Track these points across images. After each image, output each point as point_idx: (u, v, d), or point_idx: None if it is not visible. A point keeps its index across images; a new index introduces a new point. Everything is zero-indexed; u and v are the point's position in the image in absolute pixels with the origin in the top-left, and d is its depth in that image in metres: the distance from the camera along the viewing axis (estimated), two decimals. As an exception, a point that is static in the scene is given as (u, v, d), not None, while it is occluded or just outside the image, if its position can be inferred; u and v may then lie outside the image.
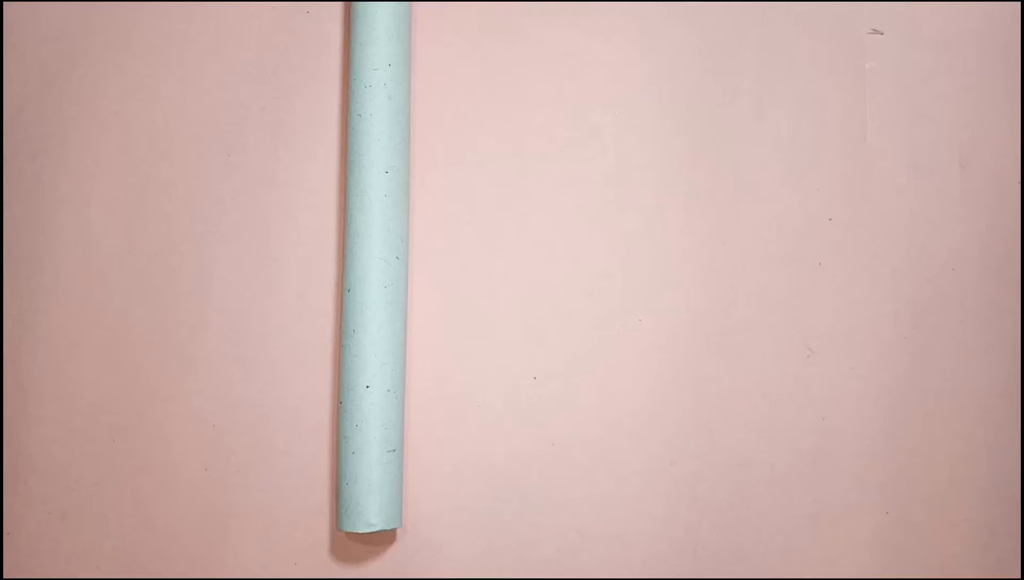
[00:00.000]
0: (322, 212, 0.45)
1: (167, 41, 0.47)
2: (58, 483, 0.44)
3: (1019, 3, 0.47)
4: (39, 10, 0.47)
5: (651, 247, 0.45)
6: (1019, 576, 0.44)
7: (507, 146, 0.45)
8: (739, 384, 0.44)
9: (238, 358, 0.44)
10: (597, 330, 0.44)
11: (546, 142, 0.46)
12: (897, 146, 0.46)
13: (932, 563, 0.43)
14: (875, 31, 0.47)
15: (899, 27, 0.47)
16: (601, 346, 0.44)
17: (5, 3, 0.47)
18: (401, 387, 0.41)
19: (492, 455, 0.43)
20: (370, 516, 0.39)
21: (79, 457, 0.44)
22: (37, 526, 0.44)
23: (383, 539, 0.42)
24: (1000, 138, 0.46)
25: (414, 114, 0.45)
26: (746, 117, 0.46)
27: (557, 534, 0.43)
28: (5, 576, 0.44)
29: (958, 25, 0.47)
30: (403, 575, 0.42)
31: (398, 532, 0.43)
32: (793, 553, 0.43)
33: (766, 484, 0.44)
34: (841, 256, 0.45)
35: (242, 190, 0.45)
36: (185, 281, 0.45)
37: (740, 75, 0.47)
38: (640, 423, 0.44)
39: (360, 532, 0.39)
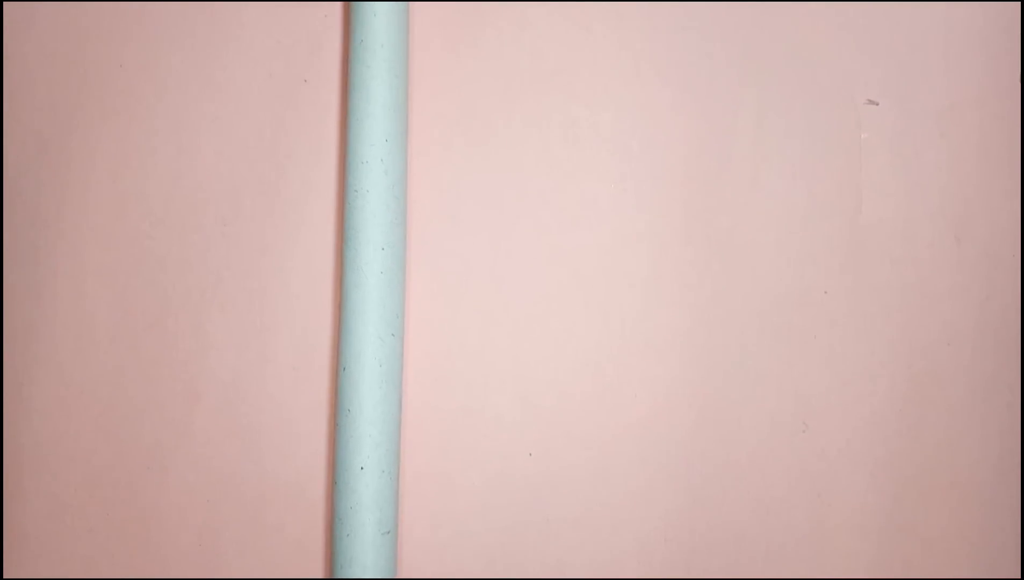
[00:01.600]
0: (317, 284, 0.45)
1: (164, 108, 0.47)
2: (51, 557, 0.44)
3: (1019, 71, 0.47)
4: (35, 75, 0.47)
5: (645, 319, 0.45)
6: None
7: (503, 218, 0.45)
8: (734, 459, 0.44)
9: (232, 431, 0.44)
10: (592, 405, 0.44)
11: (541, 213, 0.46)
12: (892, 217, 0.46)
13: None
14: (871, 101, 0.47)
15: (895, 97, 0.47)
16: (596, 422, 0.44)
17: (5, 70, 0.47)
18: (396, 467, 0.41)
19: (488, 533, 0.43)
20: (364, 597, 0.39)
21: (72, 531, 0.44)
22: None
23: (377, 616, 0.42)
24: (996, 211, 0.46)
25: (411, 188, 0.45)
26: (741, 186, 0.46)
27: (552, 609, 0.43)
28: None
29: (954, 95, 0.47)
30: (397, 651, 0.42)
31: (393, 610, 0.42)
32: (788, 629, 0.43)
33: (762, 560, 0.44)
34: (836, 329, 0.45)
35: (237, 260, 0.45)
36: (180, 352, 0.45)
37: (736, 144, 0.47)
38: (635, 498, 0.44)
39: (354, 612, 0.39)
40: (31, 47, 0.47)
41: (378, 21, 0.44)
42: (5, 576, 0.44)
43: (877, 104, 0.47)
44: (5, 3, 0.47)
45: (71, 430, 0.44)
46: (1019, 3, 0.48)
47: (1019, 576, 0.44)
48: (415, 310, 0.44)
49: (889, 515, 0.44)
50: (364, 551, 0.39)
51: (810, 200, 0.46)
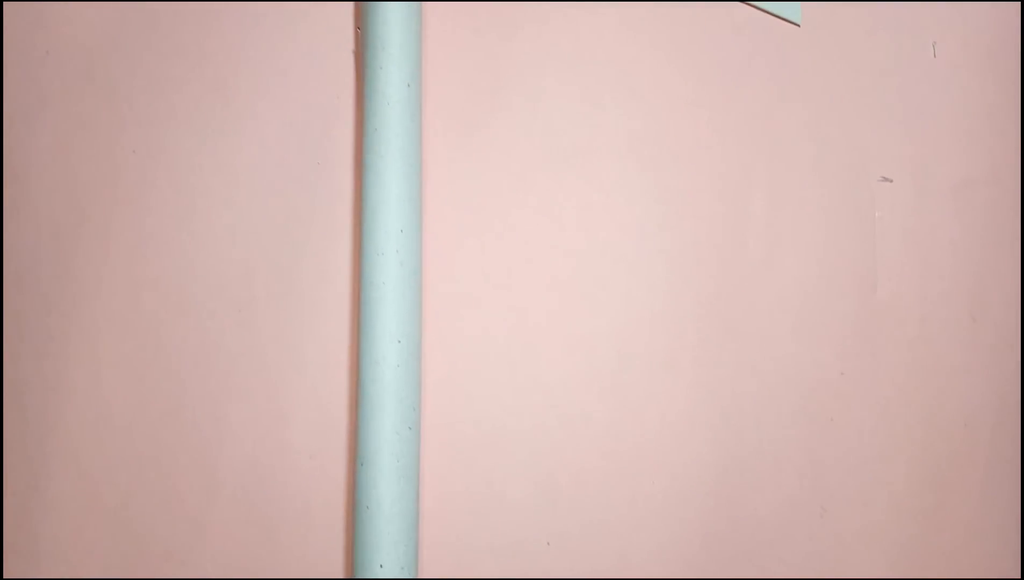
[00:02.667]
0: (333, 372, 0.45)
1: (177, 194, 0.47)
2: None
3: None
4: (47, 163, 0.47)
5: (661, 402, 0.45)
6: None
7: (519, 305, 0.45)
8: (752, 543, 0.44)
9: (250, 522, 0.44)
10: (609, 493, 0.44)
11: (557, 298, 0.45)
12: (908, 296, 0.46)
13: None
14: (885, 179, 0.47)
15: (908, 174, 0.47)
16: (614, 507, 0.44)
17: (6, 157, 0.47)
18: (415, 563, 0.41)
19: (506, 625, 0.43)
20: None
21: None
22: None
23: None
24: (1011, 288, 0.46)
25: (426, 277, 0.45)
26: (756, 266, 0.46)
27: None
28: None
29: (966, 172, 0.47)
30: None
31: None
32: None
33: (780, 647, 0.44)
34: (853, 411, 0.45)
35: (253, 347, 0.45)
36: (197, 441, 0.45)
37: (749, 223, 0.47)
38: (653, 585, 0.44)
39: None
40: (44, 133, 0.47)
41: (392, 109, 0.44)
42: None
43: (891, 181, 0.47)
44: (8, 69, 0.48)
45: (89, 523, 0.44)
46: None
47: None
48: (431, 401, 0.44)
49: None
50: (384, 651, 0.39)
51: (825, 280, 0.46)
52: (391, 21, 0.44)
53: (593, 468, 0.44)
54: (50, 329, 0.46)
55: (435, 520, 0.43)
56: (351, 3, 0.48)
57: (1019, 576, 0.44)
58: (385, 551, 0.40)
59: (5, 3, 0.47)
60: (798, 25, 0.49)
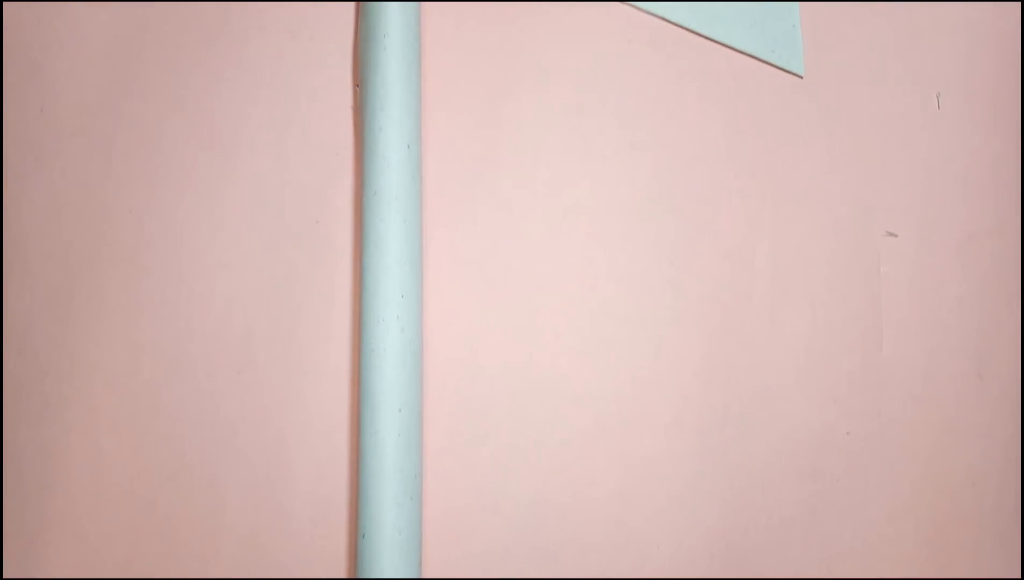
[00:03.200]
0: (334, 436, 0.44)
1: (175, 254, 0.46)
2: None
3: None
4: (41, 223, 0.47)
5: (667, 465, 0.44)
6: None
7: (518, 367, 0.45)
8: (758, 608, 0.44)
9: (250, 591, 0.43)
10: (616, 560, 0.44)
11: (555, 359, 0.45)
12: (913, 353, 0.46)
13: None
14: (890, 233, 0.47)
15: (914, 229, 0.47)
16: (618, 572, 0.43)
17: (11, 216, 0.47)
18: (418, 638, 0.41)
19: None
20: None
21: None
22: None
23: None
24: (1017, 345, 0.46)
25: (427, 342, 0.44)
26: (761, 324, 0.46)
27: None
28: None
29: (972, 226, 0.47)
30: None
31: None
32: None
33: None
34: (859, 471, 0.45)
35: (252, 410, 0.45)
36: (196, 507, 0.44)
37: (754, 280, 0.46)
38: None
39: None
40: (38, 192, 0.47)
41: (392, 172, 0.43)
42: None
43: (896, 236, 0.47)
44: (9, 119, 0.47)
45: (87, 591, 0.44)
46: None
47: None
48: (433, 470, 0.43)
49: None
50: None
51: (830, 337, 0.46)
52: (390, 81, 0.44)
53: (599, 534, 0.44)
54: (47, 394, 0.45)
55: (438, 590, 0.43)
56: (350, 59, 0.47)
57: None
58: (388, 626, 0.39)
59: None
60: (801, 77, 0.48)
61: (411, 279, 0.43)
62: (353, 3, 0.48)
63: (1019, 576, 0.44)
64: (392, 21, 0.44)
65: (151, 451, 0.45)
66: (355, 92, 0.47)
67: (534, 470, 0.44)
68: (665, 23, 0.48)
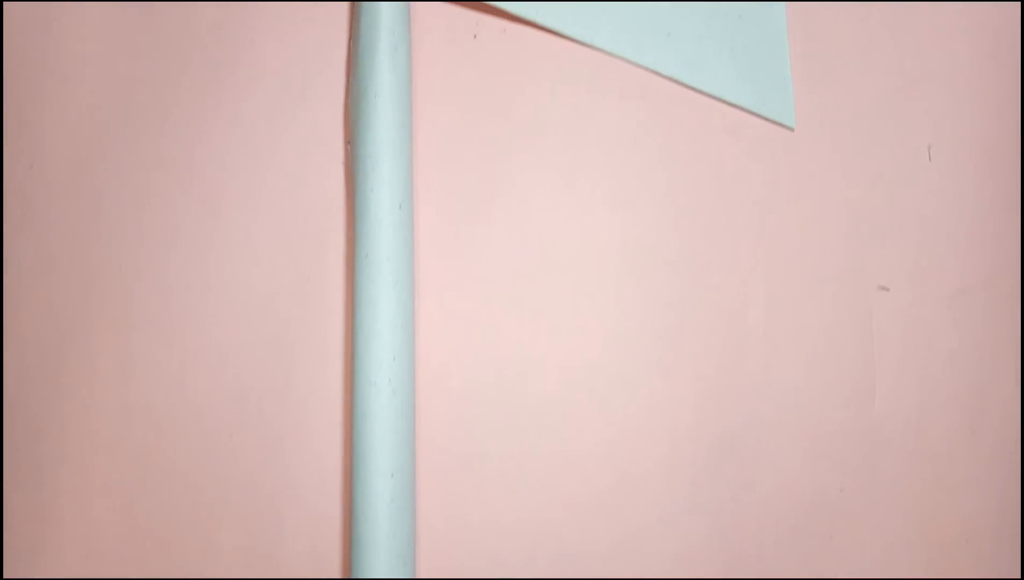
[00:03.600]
0: (327, 498, 0.44)
1: (165, 312, 0.46)
2: None
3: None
4: (30, 281, 0.46)
5: (660, 523, 0.44)
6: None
7: (511, 427, 0.45)
8: (753, 667, 0.44)
9: (243, 655, 0.43)
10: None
11: (548, 418, 0.45)
12: (906, 409, 0.46)
13: None
14: (882, 287, 0.47)
15: (906, 282, 0.47)
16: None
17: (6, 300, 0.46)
18: None
19: None
20: None
21: None
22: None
23: None
24: (1010, 399, 0.46)
25: (419, 405, 0.44)
26: (754, 378, 0.46)
27: None
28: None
29: (964, 279, 0.47)
30: None
31: None
32: None
33: None
34: (853, 529, 0.45)
35: (245, 472, 0.45)
36: (189, 573, 0.44)
37: (747, 335, 0.46)
38: None
39: None
40: (27, 249, 0.46)
41: (383, 233, 0.43)
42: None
43: (888, 290, 0.47)
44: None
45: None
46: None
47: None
48: (426, 536, 0.43)
49: None
50: None
51: (824, 392, 0.46)
52: (382, 140, 0.44)
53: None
54: (39, 457, 0.45)
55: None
56: (341, 115, 0.47)
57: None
58: None
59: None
60: (792, 129, 0.48)
61: (403, 341, 0.43)
62: (344, 59, 0.48)
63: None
64: (383, 81, 0.44)
65: (143, 514, 0.44)
66: (346, 149, 0.47)
67: (527, 536, 0.44)
68: (657, 77, 0.48)
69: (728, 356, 0.46)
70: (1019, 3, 0.48)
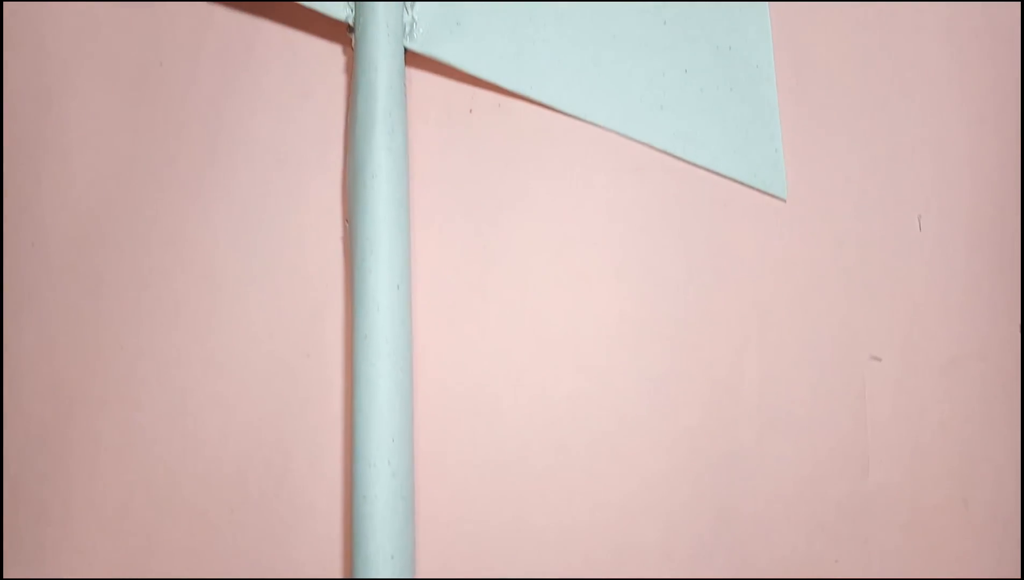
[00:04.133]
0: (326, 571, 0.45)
1: (166, 390, 0.46)
2: None
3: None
4: (33, 360, 0.47)
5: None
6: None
7: (508, 504, 0.45)
8: None
9: None
10: None
11: (544, 497, 0.45)
12: (899, 480, 0.46)
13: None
14: (874, 358, 0.48)
15: (897, 353, 0.47)
16: None
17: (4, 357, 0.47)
18: None
19: None
20: None
21: None
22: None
23: None
24: (1003, 471, 0.46)
25: (418, 486, 0.44)
26: (748, 452, 0.46)
27: None
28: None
29: (955, 349, 0.48)
30: None
31: None
32: None
33: None
34: (848, 600, 0.45)
35: (245, 549, 0.45)
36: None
37: (740, 406, 0.47)
38: None
39: None
40: (29, 330, 0.47)
41: (381, 315, 0.43)
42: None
43: (880, 360, 0.47)
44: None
45: None
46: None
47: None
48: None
49: None
50: None
51: (816, 463, 0.46)
52: (379, 221, 0.44)
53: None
54: (42, 537, 0.45)
55: None
56: (339, 192, 0.48)
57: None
58: None
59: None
60: (784, 200, 0.49)
61: (401, 422, 0.43)
62: (342, 134, 0.49)
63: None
64: (381, 162, 0.45)
65: (145, 594, 0.45)
66: (344, 226, 0.48)
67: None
68: (650, 149, 0.49)
69: (723, 428, 0.46)
70: (1019, 74, 0.49)
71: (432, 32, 0.48)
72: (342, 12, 0.47)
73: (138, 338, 0.47)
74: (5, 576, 0.44)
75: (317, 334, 0.47)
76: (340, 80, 0.50)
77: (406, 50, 0.46)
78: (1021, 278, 0.48)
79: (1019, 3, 0.47)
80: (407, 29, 0.47)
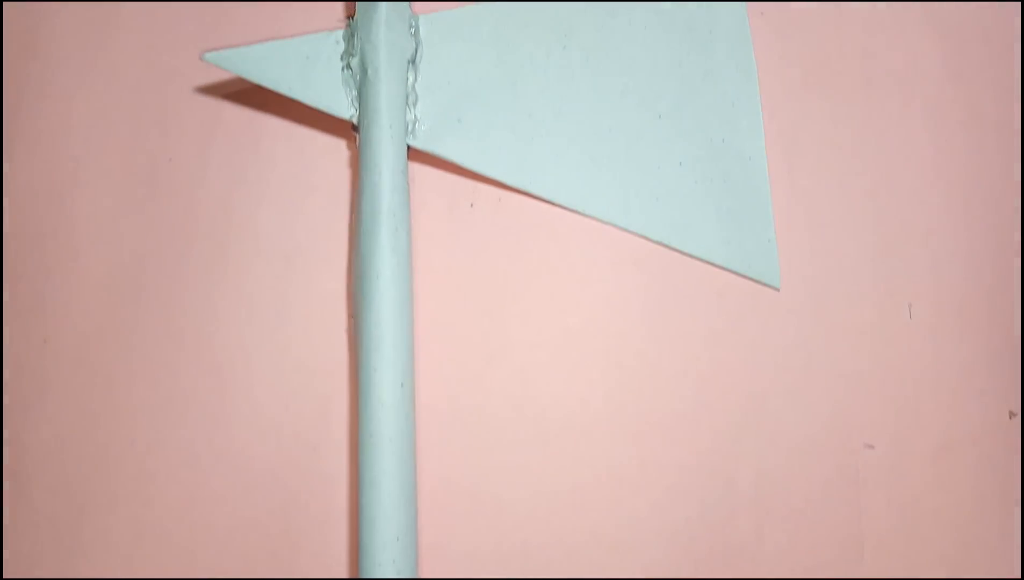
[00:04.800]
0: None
1: (177, 485, 0.47)
2: None
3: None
4: (45, 457, 0.48)
5: None
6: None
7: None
8: None
9: None
10: None
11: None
12: (894, 566, 0.47)
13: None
14: (868, 445, 0.49)
15: (890, 440, 0.49)
16: None
17: (5, 451, 0.48)
18: None
19: None
20: None
21: None
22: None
23: None
24: (997, 556, 0.47)
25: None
26: (746, 544, 0.47)
27: None
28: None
29: (948, 435, 0.49)
30: None
31: None
32: None
33: None
34: None
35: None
36: None
37: (738, 499, 0.48)
38: None
39: None
40: (42, 425, 0.48)
41: (386, 412, 0.44)
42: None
43: (873, 448, 0.48)
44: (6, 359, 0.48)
45: None
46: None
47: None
48: None
49: None
50: None
51: (812, 551, 0.47)
52: (384, 321, 0.45)
53: None
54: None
55: None
56: (344, 287, 0.49)
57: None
58: None
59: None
60: (778, 289, 0.50)
61: (406, 521, 0.44)
62: (347, 228, 0.50)
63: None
64: (385, 262, 0.46)
65: None
66: (349, 323, 0.49)
67: None
68: (647, 242, 0.50)
69: (720, 518, 0.47)
70: (1012, 164, 0.50)
71: (434, 129, 0.49)
72: (346, 112, 0.48)
73: (148, 434, 0.48)
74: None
75: (323, 428, 0.48)
76: (344, 173, 0.51)
77: (409, 146, 0.48)
78: (1021, 363, 0.49)
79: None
80: (410, 127, 0.49)
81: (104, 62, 0.53)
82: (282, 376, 0.48)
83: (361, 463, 0.45)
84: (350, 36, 0.49)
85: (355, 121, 0.48)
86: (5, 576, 0.45)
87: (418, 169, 0.51)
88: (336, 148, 0.52)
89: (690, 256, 0.50)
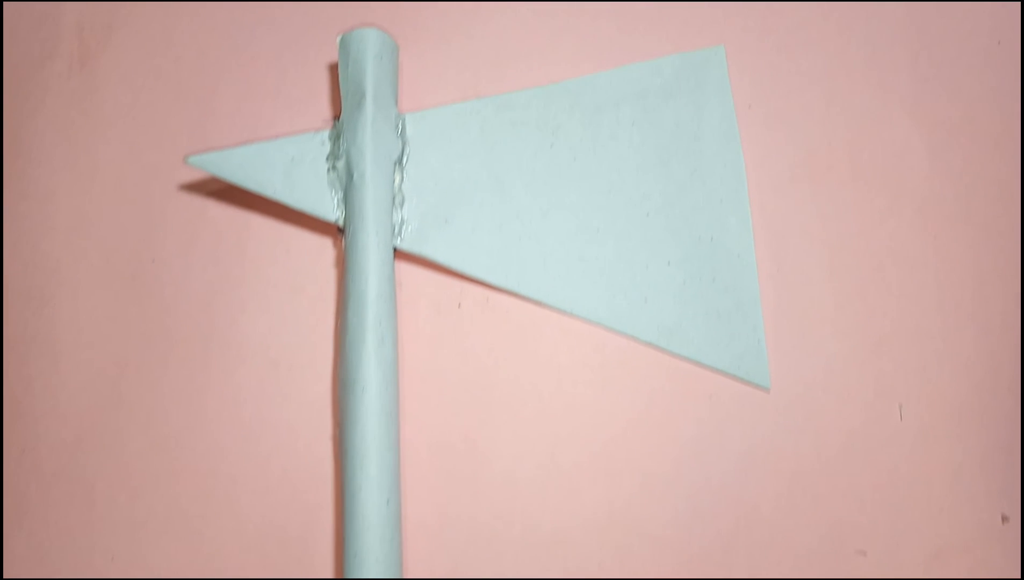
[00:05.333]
0: None
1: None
2: None
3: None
4: (28, 572, 0.47)
5: None
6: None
7: None
8: None
9: None
10: None
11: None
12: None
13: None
14: (859, 552, 0.48)
15: (881, 546, 0.48)
16: None
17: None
18: None
19: None
20: None
21: None
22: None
23: None
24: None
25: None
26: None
27: None
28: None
29: (940, 541, 0.48)
30: None
31: None
32: None
33: None
34: None
35: None
36: None
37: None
38: None
39: None
40: (19, 541, 0.47)
41: (371, 534, 0.43)
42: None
43: (865, 554, 0.48)
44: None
45: None
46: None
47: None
48: None
49: None
50: None
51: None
52: (369, 436, 0.44)
53: None
54: None
55: None
56: (328, 387, 0.49)
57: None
58: None
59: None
60: (767, 390, 0.50)
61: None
62: (331, 333, 0.49)
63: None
64: (370, 375, 0.45)
65: None
66: (335, 431, 0.48)
67: None
68: (636, 343, 0.50)
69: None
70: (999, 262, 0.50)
71: (421, 230, 0.49)
72: (332, 214, 0.48)
73: (130, 547, 0.47)
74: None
75: (309, 539, 0.47)
76: (330, 273, 0.51)
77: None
78: (1022, 462, 0.49)
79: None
80: (396, 229, 0.48)
81: (86, 159, 0.52)
82: (267, 486, 0.48)
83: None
84: (336, 137, 0.49)
85: (340, 224, 0.48)
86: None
87: (406, 268, 0.51)
88: (322, 247, 0.51)
89: (680, 357, 0.50)
